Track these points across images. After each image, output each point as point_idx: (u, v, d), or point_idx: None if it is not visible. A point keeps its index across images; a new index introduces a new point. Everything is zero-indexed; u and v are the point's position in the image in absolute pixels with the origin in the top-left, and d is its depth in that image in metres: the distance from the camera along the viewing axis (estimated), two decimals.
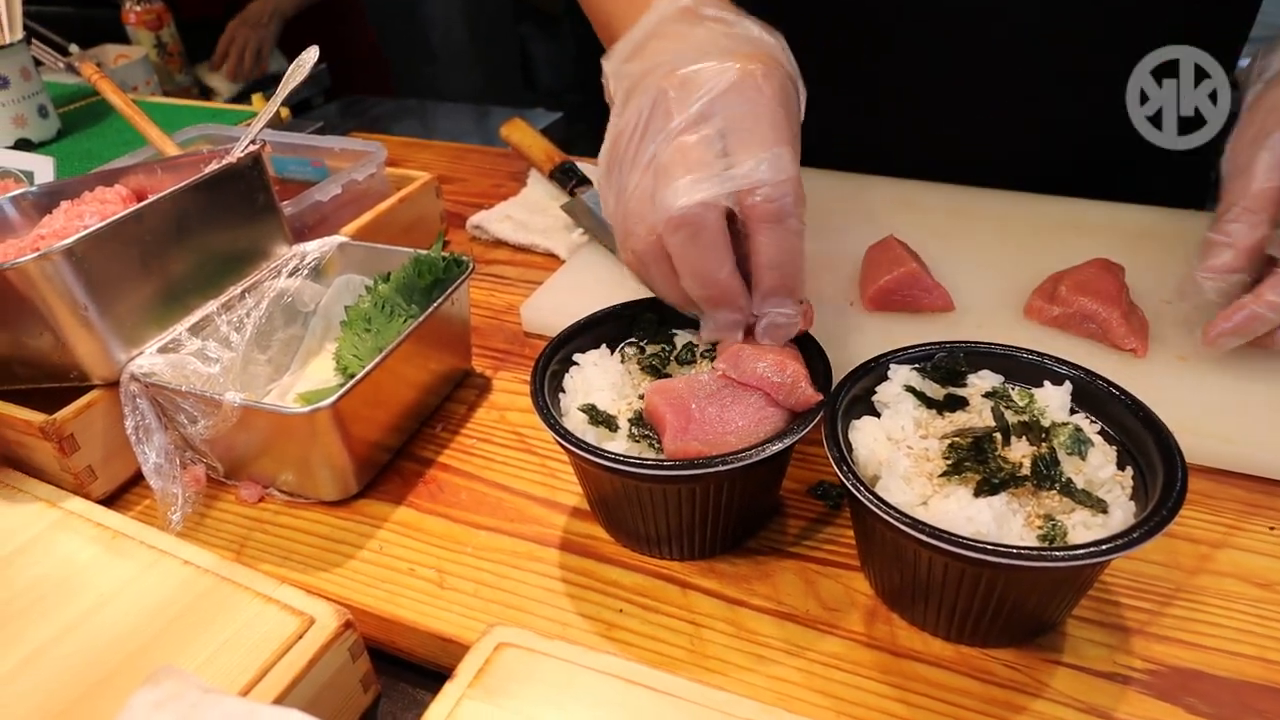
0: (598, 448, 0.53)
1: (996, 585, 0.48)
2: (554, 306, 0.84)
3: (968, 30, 0.91)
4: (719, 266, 0.55)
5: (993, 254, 0.86)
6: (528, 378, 0.60)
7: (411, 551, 0.62)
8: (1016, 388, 0.56)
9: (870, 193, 0.98)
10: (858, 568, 0.59)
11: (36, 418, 0.62)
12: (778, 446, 0.52)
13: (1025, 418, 0.53)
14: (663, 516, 0.56)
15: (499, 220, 1.02)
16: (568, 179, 1.03)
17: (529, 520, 0.64)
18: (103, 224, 0.63)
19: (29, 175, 0.98)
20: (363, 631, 0.55)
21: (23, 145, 1.19)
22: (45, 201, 0.83)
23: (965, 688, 0.51)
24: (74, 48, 1.56)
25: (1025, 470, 0.50)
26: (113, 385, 0.65)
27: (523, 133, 1.14)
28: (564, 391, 0.60)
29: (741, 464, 0.52)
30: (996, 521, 0.46)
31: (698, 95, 0.54)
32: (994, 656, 0.52)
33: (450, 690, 0.47)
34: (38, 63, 1.25)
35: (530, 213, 1.04)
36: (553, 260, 0.97)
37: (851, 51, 0.96)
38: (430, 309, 0.69)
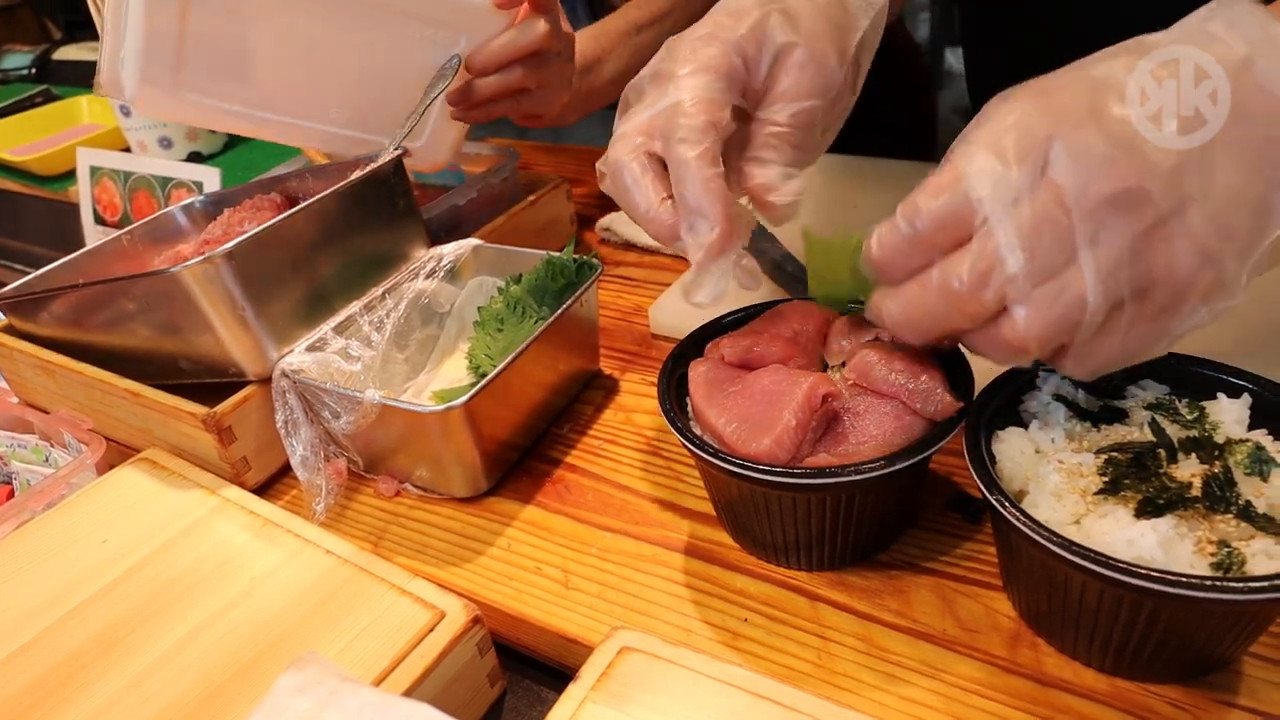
0: (725, 452, 0.52)
1: (1161, 616, 0.44)
2: (682, 309, 0.84)
3: None
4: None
5: None
6: (655, 379, 0.59)
7: (539, 550, 0.63)
8: (1185, 400, 0.52)
9: None
10: (999, 587, 0.55)
11: (199, 410, 0.67)
12: (914, 457, 0.50)
13: (1194, 433, 0.48)
14: (791, 525, 0.55)
15: (628, 222, 1.02)
16: None
17: (654, 524, 0.64)
18: (258, 229, 0.67)
19: (199, 185, 1.06)
20: (490, 627, 0.56)
21: (194, 157, 1.29)
22: (211, 210, 0.89)
23: None
24: None
25: (1195, 490, 0.45)
26: (265, 381, 0.69)
27: None
28: (690, 395, 0.60)
29: (875, 474, 0.49)
30: (1163, 546, 0.42)
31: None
32: (1155, 693, 0.48)
33: (574, 692, 0.47)
34: None
35: None
36: (680, 262, 0.97)
37: None
38: (559, 310, 0.70)
